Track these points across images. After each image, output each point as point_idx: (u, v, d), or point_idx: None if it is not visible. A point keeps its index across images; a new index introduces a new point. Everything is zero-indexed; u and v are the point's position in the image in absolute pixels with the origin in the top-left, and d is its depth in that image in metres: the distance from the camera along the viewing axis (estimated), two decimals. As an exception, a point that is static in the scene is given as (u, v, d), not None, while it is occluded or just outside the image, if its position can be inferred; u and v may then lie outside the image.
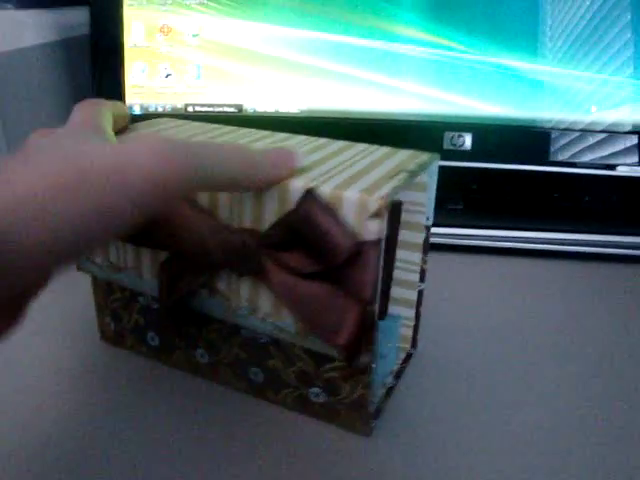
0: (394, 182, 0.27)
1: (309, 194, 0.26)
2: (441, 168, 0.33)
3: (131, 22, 0.55)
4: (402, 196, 0.27)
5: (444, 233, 0.51)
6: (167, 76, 0.55)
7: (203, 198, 0.29)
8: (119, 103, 0.32)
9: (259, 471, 0.28)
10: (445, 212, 0.54)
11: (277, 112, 0.55)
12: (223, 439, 0.30)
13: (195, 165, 0.23)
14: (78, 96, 0.57)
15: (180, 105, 0.56)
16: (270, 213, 0.27)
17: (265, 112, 0.55)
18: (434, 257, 0.51)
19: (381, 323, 0.27)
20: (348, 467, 0.29)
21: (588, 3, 0.50)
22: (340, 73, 0.53)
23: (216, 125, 0.36)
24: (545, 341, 0.39)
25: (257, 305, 0.29)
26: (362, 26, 0.52)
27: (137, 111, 0.56)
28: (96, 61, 0.56)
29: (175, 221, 0.29)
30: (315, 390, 0.32)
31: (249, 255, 0.28)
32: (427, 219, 0.35)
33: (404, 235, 0.35)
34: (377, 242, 0.25)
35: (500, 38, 0.51)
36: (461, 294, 0.45)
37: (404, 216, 0.31)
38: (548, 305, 0.44)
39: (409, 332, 0.37)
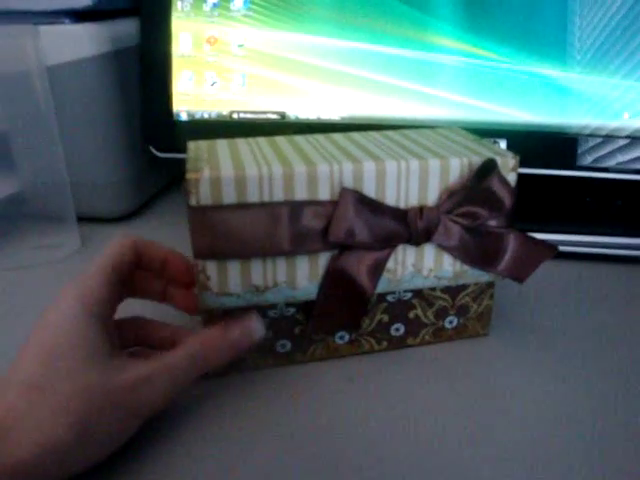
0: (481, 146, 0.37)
1: (491, 164, 0.34)
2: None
3: (179, 33, 0.57)
4: None
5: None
6: (213, 84, 0.58)
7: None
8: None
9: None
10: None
11: (319, 119, 0.57)
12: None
13: None
14: (129, 103, 0.60)
15: (225, 112, 0.58)
16: (433, 188, 0.34)
17: (307, 119, 0.57)
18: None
19: None
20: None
21: (616, 10, 0.51)
22: (378, 82, 0.56)
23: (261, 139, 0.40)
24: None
25: (422, 266, 0.36)
26: (399, 37, 0.55)
27: (184, 117, 0.59)
28: (145, 70, 0.59)
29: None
30: (450, 318, 0.40)
31: (428, 225, 0.34)
32: None
33: None
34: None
35: (532, 47, 0.53)
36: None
37: None
38: (578, 307, 0.46)
39: None
